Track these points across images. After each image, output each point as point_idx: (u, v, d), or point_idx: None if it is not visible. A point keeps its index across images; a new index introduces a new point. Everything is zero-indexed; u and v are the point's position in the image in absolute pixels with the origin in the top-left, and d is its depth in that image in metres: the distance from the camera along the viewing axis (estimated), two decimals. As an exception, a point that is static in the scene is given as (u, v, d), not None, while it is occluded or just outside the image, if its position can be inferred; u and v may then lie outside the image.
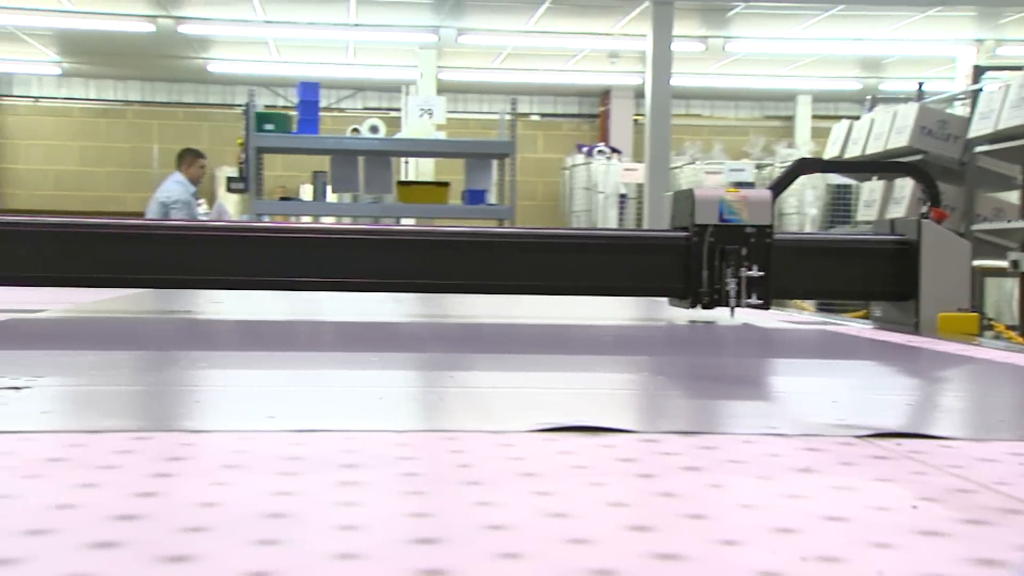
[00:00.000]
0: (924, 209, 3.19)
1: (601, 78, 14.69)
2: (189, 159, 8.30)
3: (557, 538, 0.82)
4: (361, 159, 7.92)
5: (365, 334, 2.77)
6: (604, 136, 15.51)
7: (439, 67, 13.21)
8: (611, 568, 0.74)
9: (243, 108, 8.35)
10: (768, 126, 15.84)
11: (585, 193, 13.64)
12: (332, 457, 1.10)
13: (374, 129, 8.70)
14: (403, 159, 12.20)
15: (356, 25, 11.57)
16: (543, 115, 16.12)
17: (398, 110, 15.10)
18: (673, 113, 9.87)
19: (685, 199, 3.11)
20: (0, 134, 15.12)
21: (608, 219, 13.00)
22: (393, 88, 15.06)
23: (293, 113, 8.10)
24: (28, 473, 1.01)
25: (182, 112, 15.41)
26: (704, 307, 3.01)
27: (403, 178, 12.06)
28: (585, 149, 13.80)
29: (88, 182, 15.22)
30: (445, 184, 8.08)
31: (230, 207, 14.57)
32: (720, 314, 3.08)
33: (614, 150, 13.69)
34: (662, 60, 9.59)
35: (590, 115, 16.23)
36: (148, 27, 11.44)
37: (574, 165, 14.16)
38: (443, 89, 13.60)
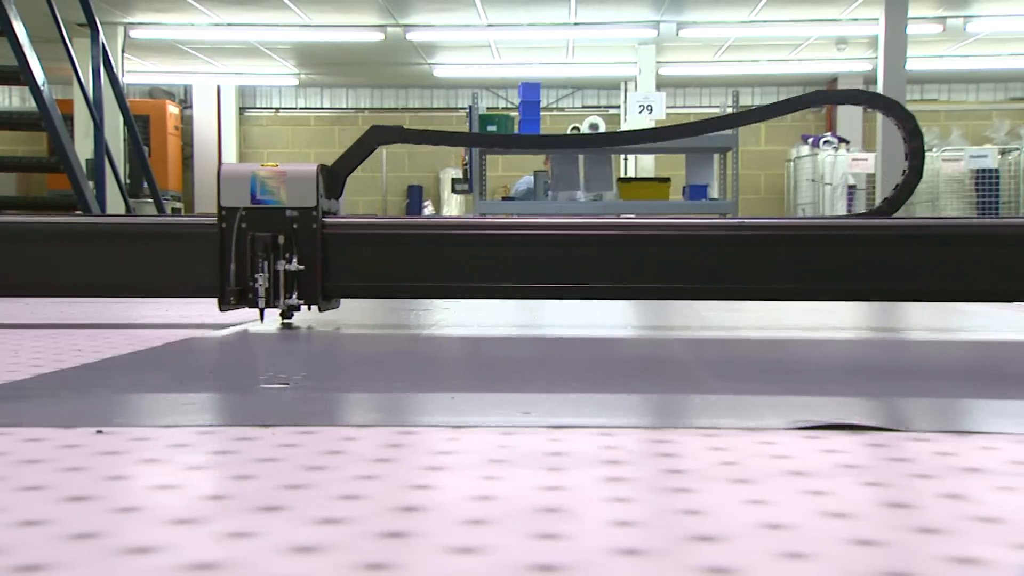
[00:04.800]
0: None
1: (827, 66, 14.18)
2: None
3: (839, 539, 0.79)
4: (581, 157, 7.98)
5: (613, 358, 2.09)
6: (831, 126, 14.96)
7: (658, 62, 13.11)
8: (905, 571, 0.71)
9: (466, 110, 8.58)
10: (1014, 109, 14.85)
11: (811, 185, 13.21)
12: (593, 453, 1.11)
13: (594, 127, 8.74)
14: (623, 156, 12.21)
15: (576, 24, 11.65)
16: (765, 106, 15.72)
17: (617, 107, 15.13)
18: (907, 99, 9.40)
19: None
20: (245, 144, 16.16)
21: (836, 211, 12.53)
22: (612, 85, 15.09)
23: (514, 114, 8.26)
24: (312, 465, 1.06)
25: (408, 117, 15.99)
26: (253, 308, 2.60)
27: (623, 175, 12.07)
28: (811, 140, 13.36)
29: (323, 187, 16.06)
30: (666, 180, 8.02)
31: (454, 209, 14.98)
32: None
33: (842, 140, 13.18)
34: (896, 44, 9.15)
35: (815, 104, 15.70)
36: (378, 36, 11.93)
37: (799, 157, 13.74)
38: (662, 84, 13.50)
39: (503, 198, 10.38)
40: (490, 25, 11.66)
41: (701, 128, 2.92)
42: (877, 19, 9.96)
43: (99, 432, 1.22)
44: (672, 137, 2.93)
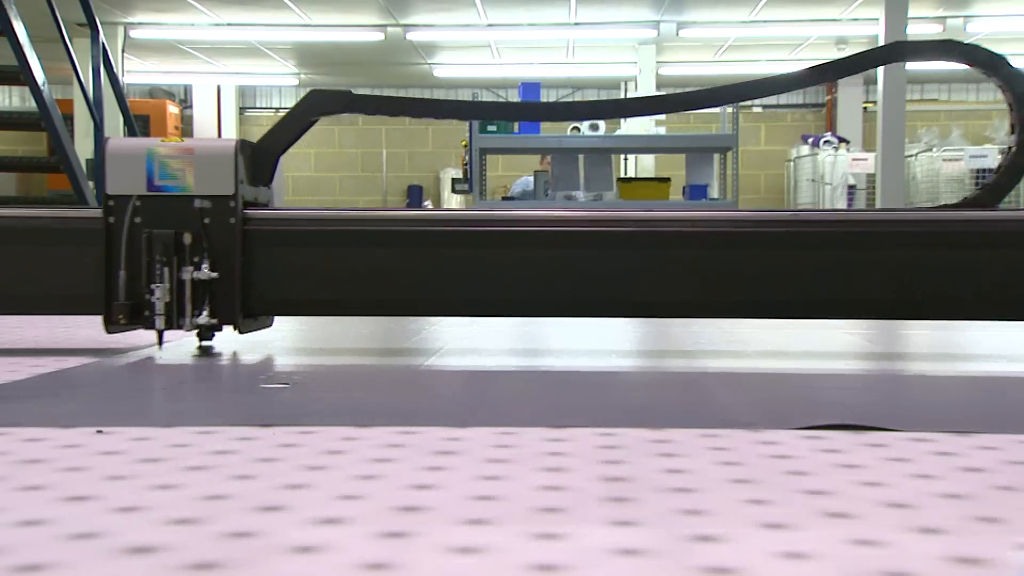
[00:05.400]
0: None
1: (827, 66, 14.17)
2: None
3: (839, 539, 0.79)
4: (581, 157, 7.98)
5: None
6: (831, 126, 14.96)
7: (658, 62, 13.10)
8: (905, 571, 0.71)
9: (468, 110, 8.56)
10: (1012, 109, 14.86)
11: (811, 185, 13.20)
12: (592, 453, 1.11)
13: (594, 127, 8.73)
14: (623, 156, 12.22)
15: (576, 24, 11.65)
16: (765, 106, 15.71)
17: (617, 107, 15.11)
18: (907, 99, 9.40)
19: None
20: (245, 144, 16.17)
21: (836, 211, 12.52)
22: (612, 85, 15.08)
23: (516, 114, 8.25)
24: (312, 464, 1.06)
25: (408, 117, 16.00)
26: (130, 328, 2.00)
27: (623, 175, 12.07)
28: (811, 139, 13.35)
29: (322, 187, 16.04)
30: (666, 180, 8.02)
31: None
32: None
33: (842, 140, 13.17)
34: (895, 43, 9.15)
35: (815, 104, 15.70)
36: (378, 36, 11.93)
37: (799, 156, 13.74)
38: (662, 84, 13.50)
39: (503, 198, 10.38)
40: (490, 25, 11.65)
41: (763, 88, 2.38)
42: (877, 19, 9.96)
43: (99, 432, 1.22)
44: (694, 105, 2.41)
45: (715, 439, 1.17)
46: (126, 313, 1.95)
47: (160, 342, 2.02)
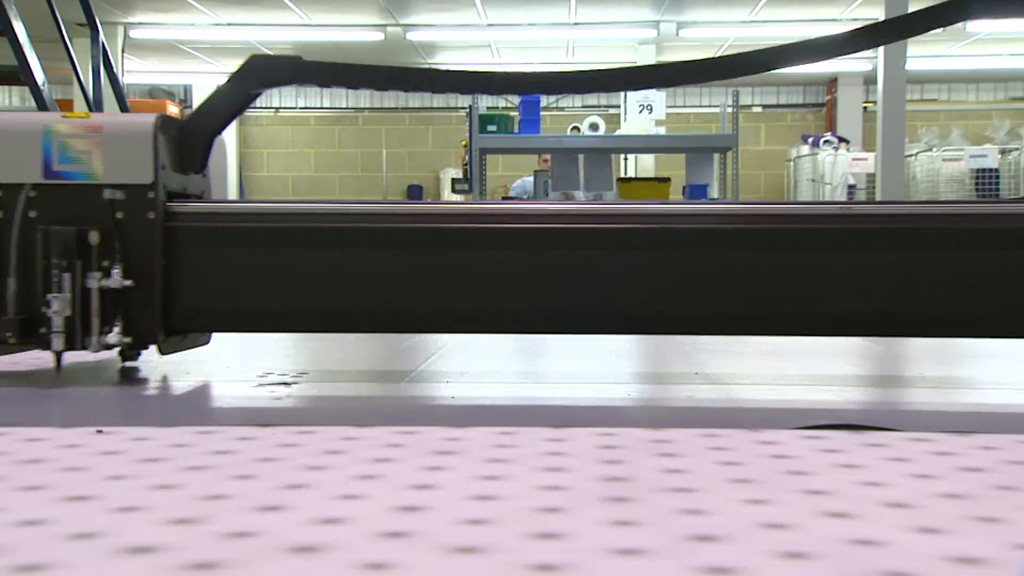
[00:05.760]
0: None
1: (827, 66, 14.17)
2: None
3: (839, 539, 0.79)
4: (581, 157, 8.00)
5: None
6: (831, 126, 14.96)
7: (658, 62, 13.12)
8: (905, 571, 0.71)
9: (466, 110, 8.59)
10: (1014, 108, 14.86)
11: (811, 185, 13.20)
12: (592, 453, 1.11)
13: (594, 127, 8.74)
14: (623, 156, 12.22)
15: (576, 24, 11.66)
16: (765, 106, 15.71)
17: (617, 107, 15.12)
18: (907, 99, 9.40)
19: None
20: (245, 144, 16.16)
21: (836, 211, 12.49)
22: (612, 85, 15.09)
23: (514, 114, 8.26)
24: (313, 464, 1.06)
25: (408, 117, 15.99)
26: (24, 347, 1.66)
27: (623, 175, 12.08)
28: (811, 139, 13.36)
29: (322, 187, 16.05)
30: (666, 180, 8.02)
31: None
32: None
33: (842, 140, 13.18)
34: (896, 44, 9.15)
35: (815, 104, 15.70)
36: (378, 36, 11.93)
37: (799, 156, 13.74)
38: (662, 84, 13.50)
39: (502, 198, 10.37)
40: (490, 25, 11.66)
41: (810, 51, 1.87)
42: (877, 19, 9.98)
43: (99, 432, 1.22)
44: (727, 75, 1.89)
45: (715, 439, 1.17)
46: (16, 330, 1.60)
47: (58, 366, 1.70)
